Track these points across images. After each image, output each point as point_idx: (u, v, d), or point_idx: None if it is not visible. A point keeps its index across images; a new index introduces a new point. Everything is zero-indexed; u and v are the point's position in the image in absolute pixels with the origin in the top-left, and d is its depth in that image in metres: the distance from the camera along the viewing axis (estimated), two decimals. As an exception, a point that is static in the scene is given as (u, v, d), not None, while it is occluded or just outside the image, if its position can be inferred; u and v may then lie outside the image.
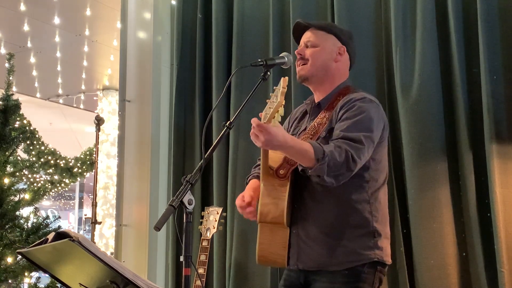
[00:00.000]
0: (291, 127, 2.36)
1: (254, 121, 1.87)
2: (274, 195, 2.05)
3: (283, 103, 1.82)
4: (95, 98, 8.81)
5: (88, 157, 9.22)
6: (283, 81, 1.83)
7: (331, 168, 1.92)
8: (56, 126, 10.47)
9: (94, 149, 3.91)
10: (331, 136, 2.05)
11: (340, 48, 2.24)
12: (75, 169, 9.18)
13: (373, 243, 2.08)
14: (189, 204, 1.74)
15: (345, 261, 2.05)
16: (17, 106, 4.00)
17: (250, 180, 2.39)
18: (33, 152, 8.56)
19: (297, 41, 2.33)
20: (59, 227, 4.16)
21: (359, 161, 1.98)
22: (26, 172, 5.42)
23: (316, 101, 2.26)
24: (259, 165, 2.45)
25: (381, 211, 2.14)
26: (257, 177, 2.38)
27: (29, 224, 3.83)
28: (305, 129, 2.22)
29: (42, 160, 8.66)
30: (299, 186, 2.11)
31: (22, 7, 5.68)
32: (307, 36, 2.25)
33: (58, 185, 9.24)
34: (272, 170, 2.06)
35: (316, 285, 2.09)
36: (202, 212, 3.20)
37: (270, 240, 2.12)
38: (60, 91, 8.56)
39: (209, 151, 1.91)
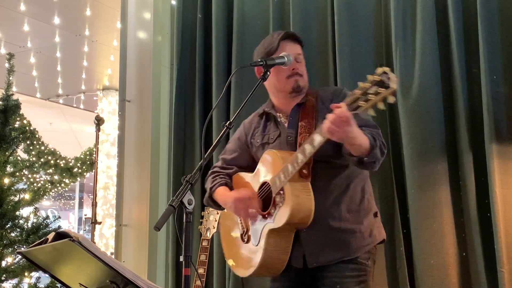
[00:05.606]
0: (252, 138, 2.36)
1: (342, 112, 1.79)
2: (302, 197, 2.06)
3: (394, 90, 1.63)
4: (95, 98, 8.82)
5: (88, 157, 9.22)
6: (393, 81, 1.70)
7: (378, 154, 1.99)
8: (56, 126, 10.47)
9: (94, 149, 3.90)
10: None
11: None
12: (75, 169, 9.17)
13: (379, 222, 2.24)
14: (189, 204, 1.74)
15: (365, 244, 2.14)
16: (17, 106, 4.00)
17: (216, 188, 2.34)
18: (33, 152, 8.56)
19: (290, 38, 2.29)
20: (59, 227, 4.15)
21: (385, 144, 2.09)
22: (26, 172, 5.42)
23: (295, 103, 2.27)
24: (217, 172, 2.40)
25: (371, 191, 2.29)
26: (225, 185, 2.34)
27: (29, 224, 3.83)
28: (278, 135, 2.24)
29: (42, 160, 8.65)
30: None
31: (22, 7, 5.68)
32: (297, 51, 2.27)
33: (58, 185, 9.23)
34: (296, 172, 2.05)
35: (325, 281, 2.14)
36: (202, 212, 3.20)
37: (275, 244, 2.13)
38: (60, 91, 8.56)
39: (209, 151, 1.92)
